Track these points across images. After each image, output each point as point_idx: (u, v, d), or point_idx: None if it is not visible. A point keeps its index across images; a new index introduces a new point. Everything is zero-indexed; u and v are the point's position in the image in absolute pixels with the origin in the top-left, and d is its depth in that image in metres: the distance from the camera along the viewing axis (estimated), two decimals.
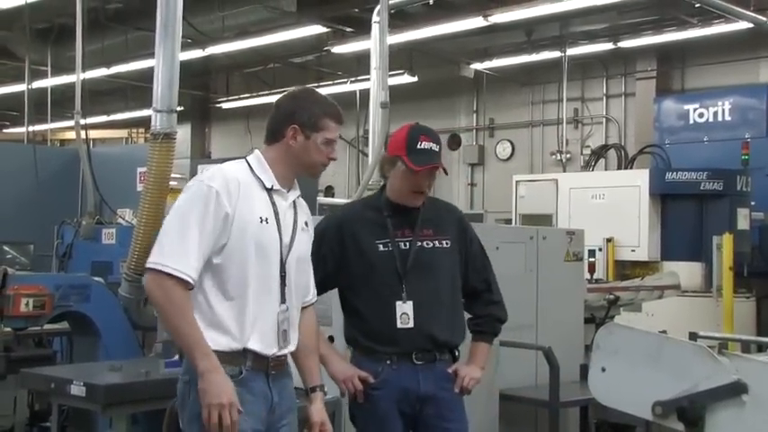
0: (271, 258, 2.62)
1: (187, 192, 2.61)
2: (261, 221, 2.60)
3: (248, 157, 2.73)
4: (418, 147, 3.06)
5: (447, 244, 3.14)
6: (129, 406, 3.68)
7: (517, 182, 9.45)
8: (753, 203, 8.52)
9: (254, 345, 2.57)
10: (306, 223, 2.78)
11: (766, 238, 8.90)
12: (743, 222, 8.26)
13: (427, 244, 3.11)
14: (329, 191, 13.86)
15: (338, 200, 10.45)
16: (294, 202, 2.73)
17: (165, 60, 4.41)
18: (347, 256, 3.10)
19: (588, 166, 10.14)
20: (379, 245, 3.08)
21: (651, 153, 9.41)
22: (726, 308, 7.35)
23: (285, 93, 2.83)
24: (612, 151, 9.99)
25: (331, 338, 3.53)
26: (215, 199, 2.54)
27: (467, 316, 3.28)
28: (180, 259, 2.48)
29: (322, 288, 3.19)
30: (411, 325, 3.01)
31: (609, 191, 8.55)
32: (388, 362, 3.03)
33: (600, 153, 10.19)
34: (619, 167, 9.42)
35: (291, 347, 2.69)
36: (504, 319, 3.30)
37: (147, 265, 2.55)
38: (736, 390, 1.97)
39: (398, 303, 3.02)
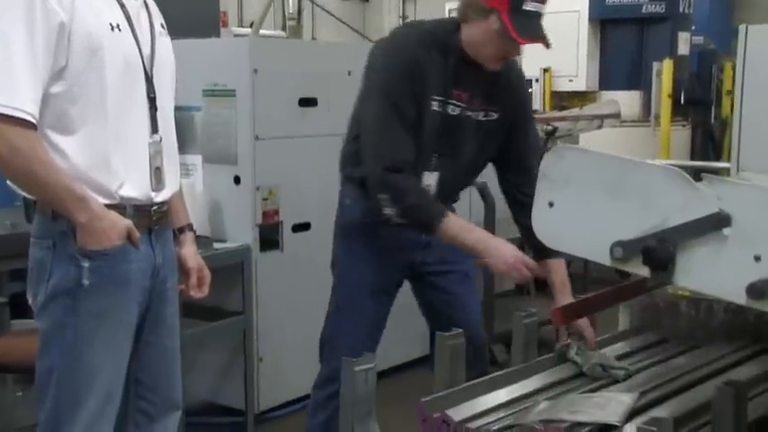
0: (133, 76, 2.02)
1: None
2: (112, 29, 1.97)
3: None
4: (524, 7, 2.43)
5: (495, 116, 2.63)
6: None
7: (449, 10, 8.89)
8: (693, 27, 8.21)
9: (129, 191, 2.02)
10: (162, 25, 2.17)
11: (704, 64, 8.75)
12: (683, 47, 7.97)
13: (476, 115, 2.60)
14: None
15: None
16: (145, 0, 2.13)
17: None
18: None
19: None
20: (433, 103, 2.51)
21: None
22: (663, 136, 7.17)
23: None
24: None
25: None
26: (40, 4, 1.87)
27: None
28: (11, 93, 1.84)
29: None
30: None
31: (546, 17, 8.04)
32: None
33: None
34: None
35: (168, 192, 2.14)
36: None
37: None
38: (717, 223, 1.53)
39: (426, 174, 2.58)
